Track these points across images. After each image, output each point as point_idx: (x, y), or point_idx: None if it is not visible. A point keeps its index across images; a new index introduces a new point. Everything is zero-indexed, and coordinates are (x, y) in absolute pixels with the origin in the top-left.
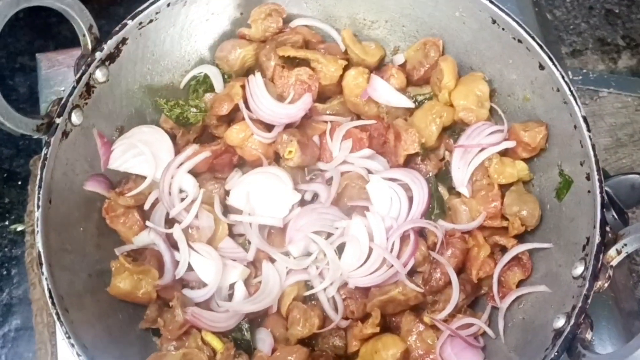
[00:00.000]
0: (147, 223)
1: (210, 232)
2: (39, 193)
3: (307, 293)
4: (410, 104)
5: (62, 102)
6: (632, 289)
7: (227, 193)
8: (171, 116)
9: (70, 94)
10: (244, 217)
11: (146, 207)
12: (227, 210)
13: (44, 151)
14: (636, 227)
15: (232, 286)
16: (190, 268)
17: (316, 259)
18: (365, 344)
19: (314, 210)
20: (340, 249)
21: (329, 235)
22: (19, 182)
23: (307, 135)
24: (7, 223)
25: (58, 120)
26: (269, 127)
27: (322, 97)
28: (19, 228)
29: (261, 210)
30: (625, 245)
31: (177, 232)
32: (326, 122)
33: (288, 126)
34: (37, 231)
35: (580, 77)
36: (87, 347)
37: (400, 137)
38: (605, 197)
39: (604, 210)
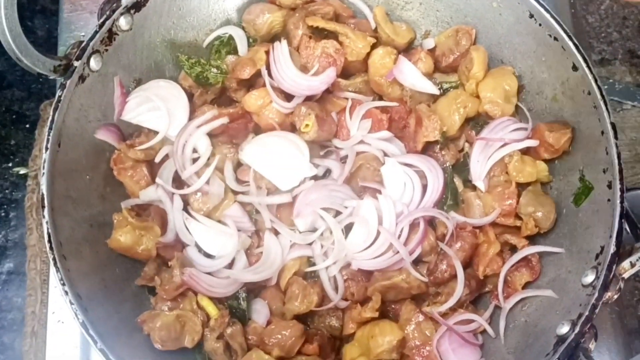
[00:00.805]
0: (157, 180)
1: (218, 200)
2: (49, 135)
3: (309, 269)
4: (435, 90)
5: (82, 45)
6: (635, 306)
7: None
8: (191, 74)
9: (91, 38)
10: (252, 197)
11: (157, 160)
12: (238, 178)
13: (58, 93)
14: None
15: None
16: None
17: (322, 236)
18: (362, 328)
19: (325, 186)
20: (347, 229)
21: (338, 213)
22: (27, 126)
23: (326, 110)
24: (10, 165)
25: (76, 64)
26: (288, 97)
27: (346, 73)
28: (22, 171)
29: (271, 175)
30: None
31: (177, 202)
32: (347, 99)
33: (308, 98)
34: (43, 173)
35: (606, 87)
36: (81, 297)
37: (422, 123)
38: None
39: (622, 221)
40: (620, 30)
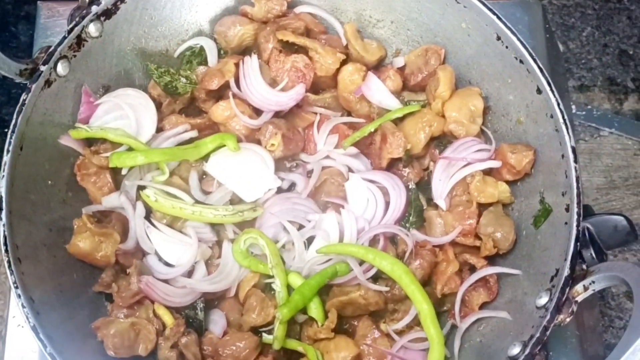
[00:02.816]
0: (124, 182)
1: None
2: (10, 137)
3: (268, 281)
4: (400, 107)
5: (50, 50)
6: (601, 332)
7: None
8: (160, 83)
9: (59, 44)
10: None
11: (124, 171)
12: (202, 189)
13: (22, 96)
14: (607, 266)
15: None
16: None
17: (283, 248)
18: (318, 343)
19: (289, 199)
20: (309, 243)
21: (301, 227)
22: (6, 130)
23: (294, 126)
24: None
25: (43, 68)
26: (257, 110)
27: (315, 88)
28: None
29: (236, 186)
30: (593, 282)
31: (139, 210)
32: (315, 113)
33: (276, 113)
34: (3, 175)
35: (584, 113)
36: (34, 301)
37: (387, 140)
38: (581, 231)
39: (578, 244)
40: (600, 57)
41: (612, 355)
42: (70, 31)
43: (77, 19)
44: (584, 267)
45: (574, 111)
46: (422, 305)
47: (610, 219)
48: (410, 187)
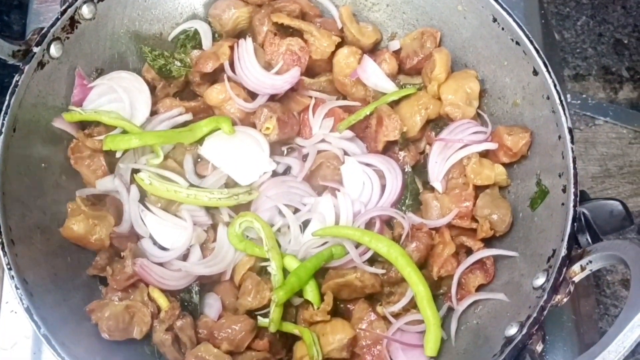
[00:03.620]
0: (118, 165)
1: None
2: (3, 119)
3: (263, 264)
4: (396, 90)
5: (43, 32)
6: (597, 320)
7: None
8: (154, 66)
9: (52, 25)
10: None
11: (118, 154)
12: (197, 172)
13: (15, 78)
14: (603, 246)
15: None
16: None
17: (279, 232)
18: (314, 326)
19: (285, 182)
20: (304, 225)
21: (296, 210)
22: None
23: (289, 110)
24: None
25: (36, 50)
26: (252, 93)
27: (310, 71)
28: None
29: (231, 170)
30: (590, 262)
31: (133, 193)
32: (311, 97)
33: (271, 96)
34: None
35: (579, 102)
36: (28, 283)
37: (382, 123)
38: (578, 212)
39: (575, 225)
40: (595, 47)
41: (610, 331)
42: (63, 12)
43: (70, 0)
44: (580, 251)
45: (569, 100)
46: (418, 287)
47: (606, 203)
48: (406, 170)
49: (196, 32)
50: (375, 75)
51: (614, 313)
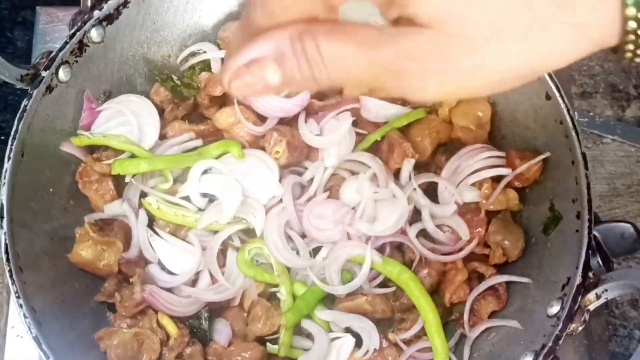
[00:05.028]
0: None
1: None
2: (11, 145)
3: (273, 290)
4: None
5: (52, 55)
6: (607, 341)
7: None
8: (167, 86)
9: (61, 49)
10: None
11: (127, 179)
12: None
13: (24, 102)
14: (619, 274)
15: (196, 273)
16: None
17: None
18: None
19: (294, 206)
20: (314, 252)
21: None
22: (2, 137)
23: (298, 133)
24: None
25: (44, 74)
26: (261, 116)
27: (320, 94)
28: None
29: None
30: (606, 290)
31: (142, 217)
32: None
33: (281, 119)
34: (4, 183)
35: (587, 120)
36: (36, 311)
37: (394, 150)
38: (593, 240)
39: (589, 252)
40: (602, 64)
41: None
42: (72, 36)
43: (79, 24)
44: (591, 274)
45: (576, 118)
46: (427, 314)
47: (618, 226)
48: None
49: (205, 55)
50: (379, 108)
51: (622, 334)
